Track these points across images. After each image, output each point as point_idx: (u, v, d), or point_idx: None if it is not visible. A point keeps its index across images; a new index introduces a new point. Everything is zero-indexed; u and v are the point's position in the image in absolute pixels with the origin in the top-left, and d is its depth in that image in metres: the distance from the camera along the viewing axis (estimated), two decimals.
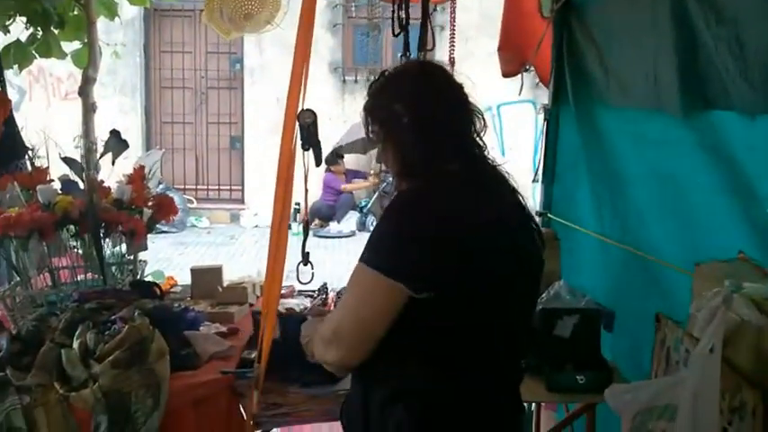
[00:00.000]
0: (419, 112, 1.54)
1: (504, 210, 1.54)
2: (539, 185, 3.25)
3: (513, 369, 1.63)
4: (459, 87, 1.63)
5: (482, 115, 1.62)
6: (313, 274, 2.12)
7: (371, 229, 1.62)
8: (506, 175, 1.62)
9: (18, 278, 2.49)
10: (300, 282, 2.12)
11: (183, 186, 10.29)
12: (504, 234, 1.51)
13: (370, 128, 1.62)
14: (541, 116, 3.30)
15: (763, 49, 1.70)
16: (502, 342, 1.54)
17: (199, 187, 10.64)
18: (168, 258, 7.23)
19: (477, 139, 1.60)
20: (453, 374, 1.49)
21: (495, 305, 1.49)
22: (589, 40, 2.76)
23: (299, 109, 1.83)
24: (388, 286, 1.39)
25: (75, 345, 1.98)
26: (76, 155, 2.85)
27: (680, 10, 2.03)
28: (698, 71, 2.00)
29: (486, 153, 1.60)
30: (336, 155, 9.45)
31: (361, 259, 1.44)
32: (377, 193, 9.63)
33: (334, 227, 9.50)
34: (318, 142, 1.89)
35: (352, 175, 10.07)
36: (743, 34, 1.77)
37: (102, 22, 3.97)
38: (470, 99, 1.62)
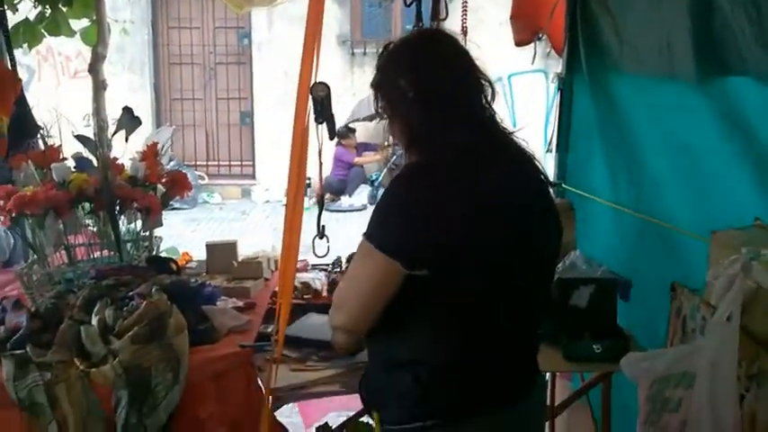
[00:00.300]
0: (423, 85, 1.53)
1: (514, 178, 1.53)
2: (552, 155, 3.23)
3: (523, 343, 1.63)
4: (466, 55, 1.60)
5: (491, 83, 1.60)
6: (329, 247, 2.12)
7: None
8: (521, 142, 1.60)
9: (35, 256, 2.51)
10: (316, 255, 2.13)
11: (194, 163, 10.30)
12: (513, 204, 1.50)
13: (378, 104, 1.62)
14: (553, 86, 3.27)
15: None
16: (507, 317, 1.53)
17: (210, 163, 10.66)
18: (181, 234, 7.26)
19: (488, 107, 1.58)
20: (455, 349, 1.51)
21: (495, 282, 1.48)
22: (603, 7, 2.72)
23: (312, 82, 1.81)
24: (384, 262, 1.44)
25: (94, 321, 2.00)
26: (87, 133, 2.85)
27: None
28: (713, 36, 1.98)
29: (498, 121, 1.59)
30: (348, 128, 9.42)
31: (364, 234, 1.49)
32: (387, 167, 9.60)
33: (345, 201, 9.50)
34: (332, 115, 1.88)
35: (362, 148, 10.04)
36: None
37: (109, 0, 3.94)
38: (478, 67, 1.60)
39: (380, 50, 1.64)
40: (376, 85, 1.62)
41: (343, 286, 1.60)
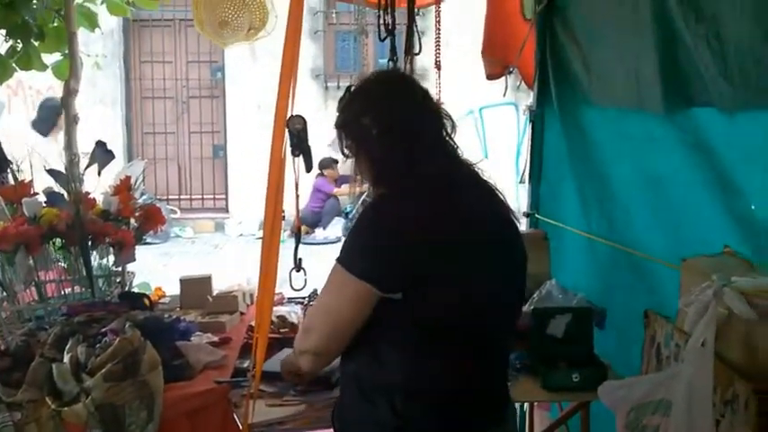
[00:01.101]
0: (386, 121, 1.60)
1: (478, 208, 1.58)
2: (524, 186, 3.27)
3: (495, 369, 1.65)
4: (425, 92, 1.68)
5: (451, 117, 1.67)
6: (306, 280, 2.12)
7: None
8: (482, 173, 1.65)
9: (4, 293, 2.46)
10: (293, 288, 2.12)
11: (166, 196, 10.21)
12: (478, 232, 1.55)
13: (343, 143, 1.67)
14: (524, 118, 3.33)
15: (742, 47, 1.72)
16: (479, 342, 1.56)
17: (182, 197, 10.58)
18: (153, 269, 7.16)
19: (449, 140, 1.64)
20: (429, 371, 1.52)
21: (467, 304, 1.52)
22: (572, 40, 2.78)
23: (288, 115, 1.83)
24: (357, 286, 1.48)
25: (66, 359, 1.96)
26: (59, 167, 2.83)
27: (660, 9, 2.05)
28: (679, 69, 2.02)
29: (459, 154, 1.65)
30: (332, 159, 9.42)
31: (337, 259, 1.54)
32: (360, 200, 9.62)
33: (319, 233, 9.47)
34: (309, 148, 1.89)
35: (342, 180, 10.05)
36: (722, 31, 1.79)
37: (81, 34, 3.93)
38: (437, 102, 1.70)
39: (342, 94, 1.69)
40: (340, 125, 1.67)
41: (315, 311, 1.62)
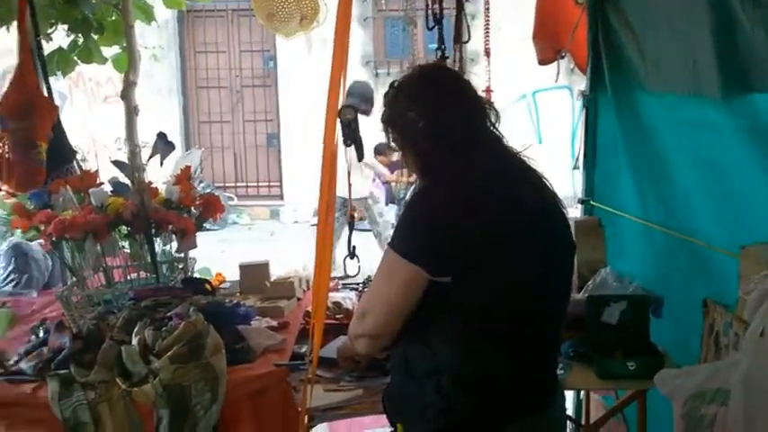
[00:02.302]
0: (432, 113, 1.64)
1: (524, 196, 1.59)
2: (579, 172, 3.24)
3: (543, 354, 1.67)
4: (468, 83, 1.74)
5: (494, 107, 1.71)
6: (359, 266, 2.16)
7: None
8: (529, 161, 1.68)
9: (74, 279, 2.57)
10: (348, 274, 2.17)
11: (222, 184, 10.41)
12: (525, 220, 1.57)
13: (390, 137, 1.73)
14: (579, 102, 3.29)
15: None
16: (527, 328, 1.59)
17: (238, 184, 10.76)
18: (212, 255, 7.32)
19: (494, 130, 1.68)
20: (476, 355, 1.56)
21: (515, 290, 1.55)
22: (624, 25, 2.74)
23: (340, 105, 1.86)
24: (408, 268, 1.53)
25: (135, 341, 2.05)
26: (120, 156, 2.93)
27: None
28: (736, 54, 1.99)
29: (505, 143, 1.68)
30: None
31: (388, 243, 1.60)
32: (413, 187, 9.59)
33: None
34: (360, 138, 1.92)
35: (395, 166, 10.04)
36: None
37: (138, 27, 4.03)
38: (480, 94, 1.74)
39: (387, 89, 1.74)
40: (386, 119, 1.72)
41: (369, 295, 1.69)
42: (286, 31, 3.55)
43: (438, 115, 1.63)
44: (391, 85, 1.74)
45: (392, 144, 1.74)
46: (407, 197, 1.71)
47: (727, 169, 2.19)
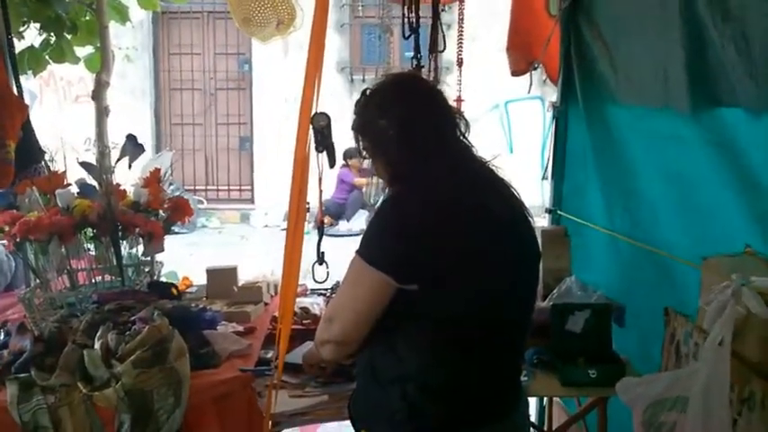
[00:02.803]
0: (403, 124, 1.64)
1: (493, 205, 1.61)
2: (548, 182, 3.28)
3: (507, 360, 1.69)
4: (440, 94, 1.74)
5: (464, 117, 1.73)
6: (328, 273, 2.16)
7: None
8: (497, 170, 1.69)
9: (37, 281, 2.53)
10: (316, 280, 2.17)
11: (193, 187, 10.35)
12: (494, 229, 1.59)
13: (360, 144, 1.74)
14: (550, 113, 3.33)
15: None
16: (493, 334, 1.60)
17: (209, 188, 10.70)
18: (180, 259, 7.25)
19: (463, 139, 1.69)
20: (446, 364, 1.57)
21: (484, 298, 1.56)
22: (597, 38, 2.78)
23: (313, 112, 1.86)
24: (375, 276, 1.53)
25: (97, 345, 2.02)
26: (89, 157, 2.89)
27: (688, 8, 2.05)
28: (706, 68, 2.02)
29: (474, 152, 1.70)
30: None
31: (356, 251, 1.59)
32: (384, 194, 9.61)
33: (343, 225, 9.52)
34: (332, 144, 1.92)
35: (366, 171, 10.06)
36: (749, 32, 1.79)
37: (112, 27, 4.01)
38: (450, 104, 1.75)
39: (358, 98, 1.75)
40: (357, 127, 1.73)
41: (336, 301, 1.67)
42: (262, 35, 3.55)
43: (409, 124, 1.63)
44: (363, 93, 1.74)
45: (363, 152, 1.75)
46: (378, 205, 1.70)
47: (694, 182, 2.23)
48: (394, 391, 1.58)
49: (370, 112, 1.70)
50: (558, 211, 3.21)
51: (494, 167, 1.69)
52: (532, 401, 3.04)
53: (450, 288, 1.53)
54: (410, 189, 1.61)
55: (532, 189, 3.92)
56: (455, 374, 1.58)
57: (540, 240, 1.76)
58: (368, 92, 1.73)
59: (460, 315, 1.55)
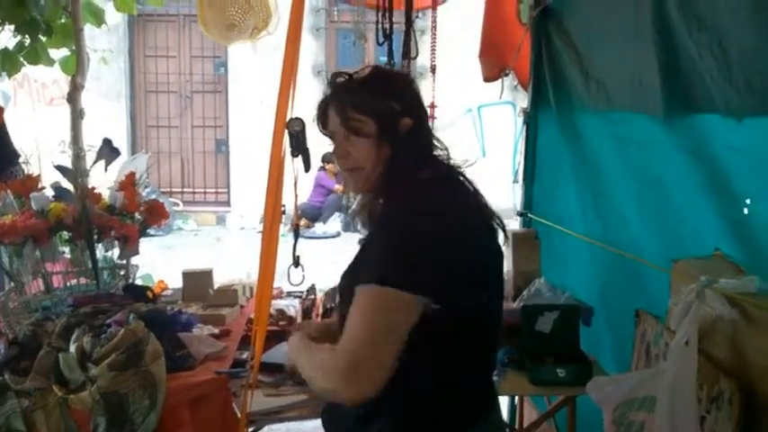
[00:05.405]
0: (416, 113, 1.51)
1: (471, 211, 1.55)
2: (519, 186, 3.33)
3: (492, 359, 1.68)
4: (419, 94, 1.60)
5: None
6: (304, 276, 2.18)
7: (359, 232, 1.64)
8: (466, 175, 1.60)
9: (11, 284, 2.52)
10: (291, 283, 2.18)
11: (169, 189, 10.27)
12: (481, 229, 1.54)
13: (351, 117, 1.48)
14: (521, 118, 3.37)
15: (746, 53, 1.71)
16: (486, 335, 1.58)
17: (185, 190, 10.64)
18: (156, 261, 7.21)
19: (437, 142, 1.58)
20: (420, 363, 1.47)
21: (482, 300, 1.51)
22: (568, 45, 2.81)
23: (288, 117, 1.88)
24: (409, 302, 1.33)
25: (72, 348, 2.02)
26: (63, 160, 2.88)
27: (661, 17, 2.05)
28: (680, 75, 2.00)
29: (448, 156, 1.58)
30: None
31: (372, 281, 1.33)
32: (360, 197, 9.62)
33: (319, 228, 9.52)
34: (307, 149, 1.94)
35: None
36: (725, 40, 1.77)
37: (87, 29, 3.99)
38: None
39: (339, 74, 1.55)
40: (361, 103, 1.49)
41: (352, 350, 1.31)
42: (237, 40, 3.56)
43: (421, 118, 1.50)
44: (346, 73, 1.55)
45: (351, 125, 1.49)
46: (379, 222, 1.51)
47: (664, 186, 2.24)
48: (378, 414, 1.46)
49: (376, 88, 1.48)
50: (529, 214, 3.25)
51: (464, 173, 1.61)
52: (504, 400, 3.09)
53: (466, 302, 1.44)
54: (408, 199, 1.45)
55: (504, 192, 3.98)
56: (450, 382, 1.50)
57: (510, 242, 1.78)
58: (366, 71, 1.53)
59: (469, 322, 1.48)
